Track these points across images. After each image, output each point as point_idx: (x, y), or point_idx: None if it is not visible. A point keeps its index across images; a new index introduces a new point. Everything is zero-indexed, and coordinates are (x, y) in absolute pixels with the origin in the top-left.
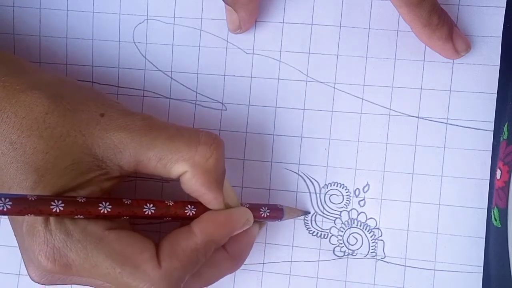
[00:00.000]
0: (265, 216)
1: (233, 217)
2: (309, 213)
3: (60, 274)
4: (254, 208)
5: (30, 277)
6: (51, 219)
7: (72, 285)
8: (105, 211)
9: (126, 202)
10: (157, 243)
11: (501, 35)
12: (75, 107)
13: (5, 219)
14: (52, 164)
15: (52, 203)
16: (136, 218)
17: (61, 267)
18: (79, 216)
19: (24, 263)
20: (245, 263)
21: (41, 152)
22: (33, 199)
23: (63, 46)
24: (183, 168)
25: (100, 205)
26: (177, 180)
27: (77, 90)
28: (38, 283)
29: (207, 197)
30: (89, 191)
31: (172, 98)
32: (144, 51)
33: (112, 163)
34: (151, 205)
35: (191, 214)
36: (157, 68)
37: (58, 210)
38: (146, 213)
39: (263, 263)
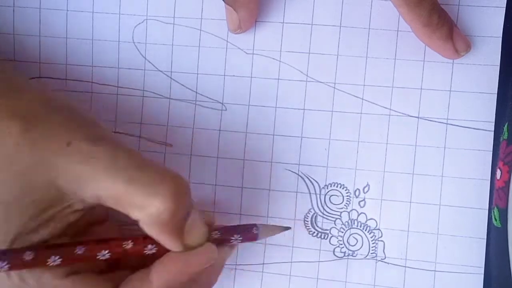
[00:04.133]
0: (237, 242)
1: (193, 260)
2: (289, 228)
3: None
4: (226, 235)
5: None
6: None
7: None
8: (54, 264)
9: (77, 252)
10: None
11: (501, 35)
12: (45, 135)
13: None
14: (16, 198)
15: None
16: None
17: None
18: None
19: None
20: (245, 263)
21: (7, 185)
22: None
23: (63, 46)
24: (137, 216)
25: (49, 260)
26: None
27: (52, 112)
28: None
29: (164, 243)
30: (53, 227)
31: (172, 98)
32: (143, 51)
33: (75, 196)
34: (106, 252)
35: (151, 253)
36: (157, 68)
37: (6, 268)
38: (99, 259)
39: (263, 264)
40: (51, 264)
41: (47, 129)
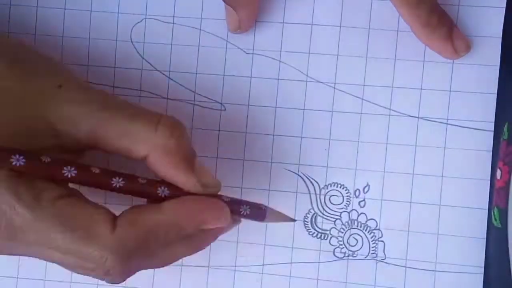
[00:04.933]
0: (245, 214)
1: (209, 206)
2: (295, 220)
3: (4, 239)
4: (234, 204)
5: None
6: (2, 181)
7: None
8: (70, 175)
9: (93, 171)
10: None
11: (501, 35)
12: (33, 74)
13: None
14: (5, 126)
15: (13, 156)
16: (100, 189)
17: (5, 231)
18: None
19: None
20: (244, 265)
21: None
22: None
23: (59, 44)
24: (144, 150)
25: (65, 168)
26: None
27: (37, 57)
28: None
29: (178, 178)
30: None
31: (169, 99)
32: (141, 50)
33: (68, 135)
34: (120, 179)
35: (163, 195)
36: (155, 68)
37: (18, 164)
38: (113, 185)
39: (263, 265)
40: (66, 174)
41: (34, 69)
